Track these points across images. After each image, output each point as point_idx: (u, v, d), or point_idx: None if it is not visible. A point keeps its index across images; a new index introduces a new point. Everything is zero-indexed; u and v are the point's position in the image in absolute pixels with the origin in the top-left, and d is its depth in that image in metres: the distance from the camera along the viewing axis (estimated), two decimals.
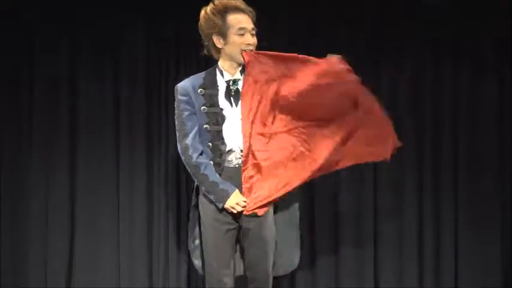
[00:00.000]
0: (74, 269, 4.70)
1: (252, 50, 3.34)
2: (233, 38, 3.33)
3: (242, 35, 3.33)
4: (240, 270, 3.49)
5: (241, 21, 3.34)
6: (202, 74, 3.43)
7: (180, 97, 3.38)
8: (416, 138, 4.74)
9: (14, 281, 4.69)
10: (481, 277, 4.71)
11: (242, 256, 3.45)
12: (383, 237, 4.71)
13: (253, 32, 3.36)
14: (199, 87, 3.37)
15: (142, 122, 4.72)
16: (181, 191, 4.69)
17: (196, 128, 3.35)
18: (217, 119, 3.34)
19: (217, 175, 3.32)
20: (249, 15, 3.36)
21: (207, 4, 3.31)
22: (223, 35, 3.34)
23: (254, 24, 3.38)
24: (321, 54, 4.65)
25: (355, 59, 4.62)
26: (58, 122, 4.71)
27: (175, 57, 4.71)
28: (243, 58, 3.33)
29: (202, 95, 3.36)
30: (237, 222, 3.35)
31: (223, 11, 3.33)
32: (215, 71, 3.41)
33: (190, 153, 3.33)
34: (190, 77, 3.45)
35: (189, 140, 3.34)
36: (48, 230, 4.69)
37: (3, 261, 4.70)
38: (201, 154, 3.33)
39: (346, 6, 4.70)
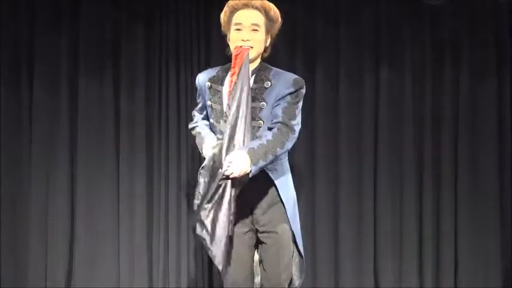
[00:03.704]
0: (74, 269, 4.70)
1: (250, 47, 3.18)
2: (232, 34, 3.23)
3: (239, 30, 3.20)
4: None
5: (241, 17, 3.20)
6: (218, 68, 3.35)
7: (196, 86, 3.42)
8: (417, 138, 4.74)
9: (14, 281, 4.69)
10: (481, 277, 4.71)
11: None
12: (383, 237, 4.71)
13: (255, 28, 3.19)
14: (209, 80, 3.32)
15: (142, 121, 4.71)
16: (181, 191, 4.69)
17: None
18: (217, 115, 3.26)
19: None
20: (259, 11, 3.22)
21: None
22: (228, 32, 3.26)
23: (271, 19, 3.23)
24: (321, 54, 4.72)
25: (355, 58, 4.72)
26: (58, 121, 4.71)
27: (175, 57, 4.71)
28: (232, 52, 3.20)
29: (209, 88, 3.30)
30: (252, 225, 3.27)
31: (233, 9, 3.23)
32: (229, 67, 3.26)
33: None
34: (211, 68, 3.40)
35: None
36: (48, 230, 4.69)
37: (3, 261, 4.70)
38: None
39: (346, 6, 4.71)
